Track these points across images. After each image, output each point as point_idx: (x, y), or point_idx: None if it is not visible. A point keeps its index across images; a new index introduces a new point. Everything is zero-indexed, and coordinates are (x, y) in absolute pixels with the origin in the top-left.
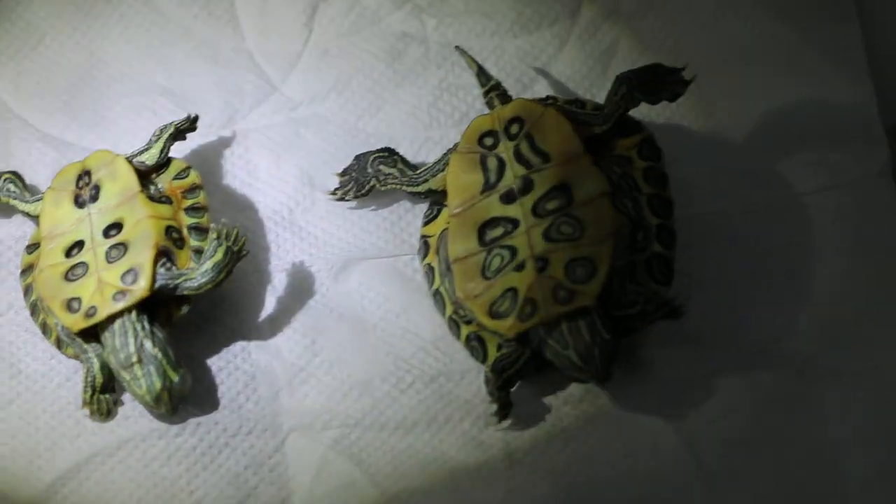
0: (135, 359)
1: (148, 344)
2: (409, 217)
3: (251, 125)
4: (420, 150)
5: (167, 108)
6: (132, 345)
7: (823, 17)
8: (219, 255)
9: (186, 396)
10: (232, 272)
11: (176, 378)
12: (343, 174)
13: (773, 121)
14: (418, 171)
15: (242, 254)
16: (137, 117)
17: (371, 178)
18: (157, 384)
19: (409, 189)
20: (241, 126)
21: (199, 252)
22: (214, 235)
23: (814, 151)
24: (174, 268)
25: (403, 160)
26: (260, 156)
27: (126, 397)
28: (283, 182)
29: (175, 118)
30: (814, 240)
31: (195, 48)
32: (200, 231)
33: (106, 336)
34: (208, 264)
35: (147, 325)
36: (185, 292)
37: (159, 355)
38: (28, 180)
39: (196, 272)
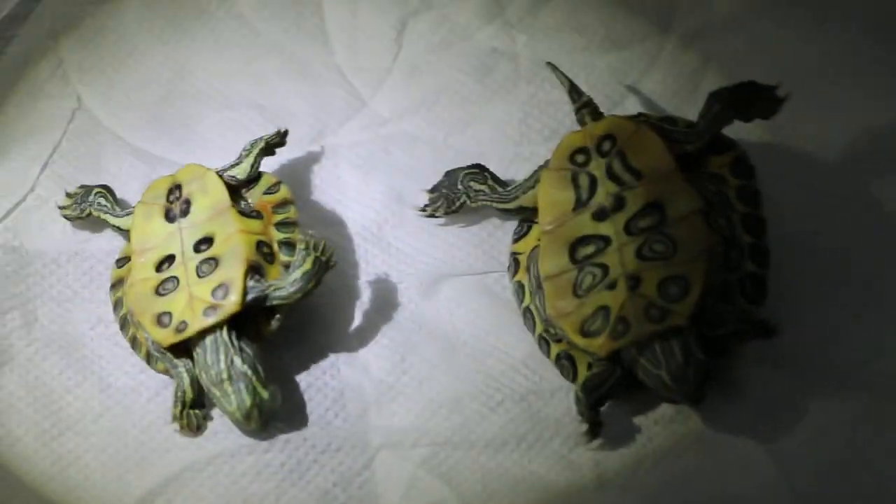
0: (225, 375)
1: (238, 361)
2: (498, 234)
3: (340, 141)
4: (509, 166)
5: (257, 122)
6: (223, 361)
7: None
8: (307, 265)
9: (276, 413)
10: (321, 282)
11: (266, 395)
12: (433, 191)
13: (866, 141)
14: (509, 188)
15: (330, 264)
16: (227, 131)
17: (461, 194)
18: (248, 401)
19: (500, 206)
20: (330, 141)
21: (289, 267)
22: (303, 246)
23: None
24: (263, 280)
25: (494, 177)
26: (348, 172)
27: (215, 413)
28: (372, 198)
29: (265, 133)
30: None
31: (285, 63)
32: (291, 246)
33: (198, 352)
34: (297, 273)
35: (237, 342)
36: (275, 302)
37: (249, 372)
38: (118, 194)
39: (285, 282)
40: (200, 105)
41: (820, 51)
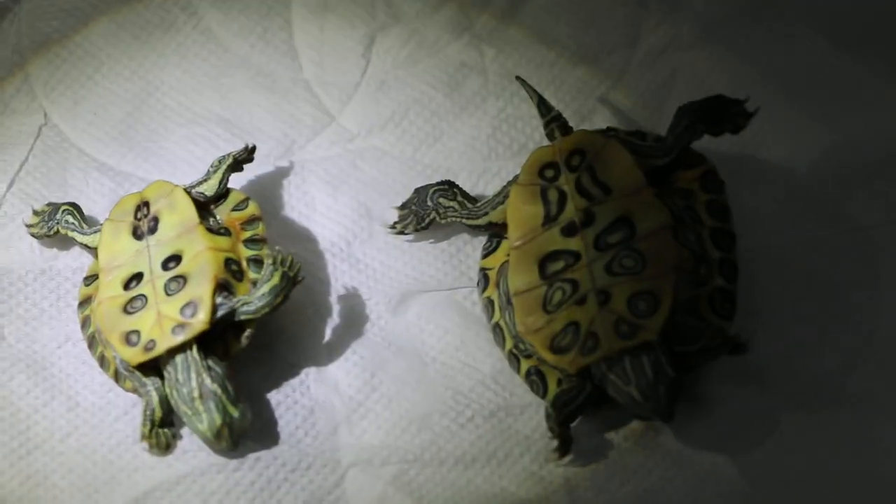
0: (196, 394)
1: (207, 379)
2: (467, 249)
3: (308, 156)
4: (478, 181)
5: (224, 138)
6: (193, 380)
7: (887, 49)
8: (275, 280)
9: (246, 432)
10: (288, 297)
11: (236, 413)
12: (402, 208)
13: (836, 153)
14: (478, 204)
15: (298, 279)
16: (195, 147)
17: (431, 211)
18: (218, 420)
19: (470, 222)
20: (299, 157)
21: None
22: (270, 261)
23: (878, 185)
24: (231, 297)
25: (463, 193)
26: (317, 187)
27: (185, 431)
28: (341, 214)
29: (232, 148)
30: (877, 275)
31: (253, 78)
32: (260, 263)
33: (168, 370)
34: (265, 288)
35: (206, 360)
36: (243, 317)
37: (219, 391)
38: (86, 211)
39: (253, 297)
40: (168, 121)
41: (787, 65)
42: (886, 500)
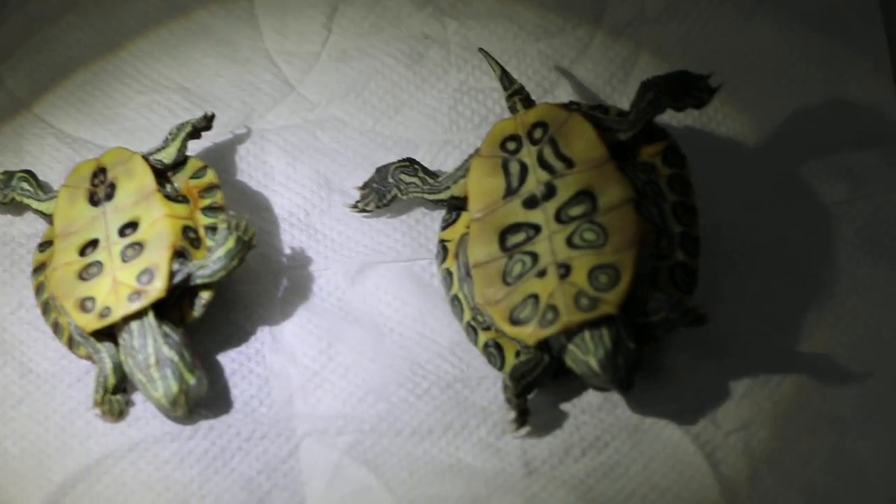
0: (152, 360)
1: (164, 346)
2: (426, 221)
3: (268, 125)
4: (439, 153)
5: (183, 106)
6: (150, 346)
7: (850, 26)
8: (230, 244)
9: (202, 400)
10: (244, 261)
11: (192, 381)
12: (364, 187)
13: (799, 129)
14: (439, 179)
15: (253, 244)
16: (153, 115)
17: (392, 187)
18: (174, 387)
19: (431, 197)
20: (258, 126)
21: None
22: (224, 225)
23: (840, 161)
24: (187, 262)
25: (424, 168)
26: (276, 157)
27: (138, 398)
28: (300, 184)
29: (191, 116)
30: (838, 250)
31: (213, 46)
32: (217, 231)
33: (124, 337)
34: (220, 252)
35: (162, 327)
36: (199, 281)
37: (175, 357)
38: (41, 178)
39: (209, 260)
40: (126, 88)
41: (752, 41)
42: (851, 474)
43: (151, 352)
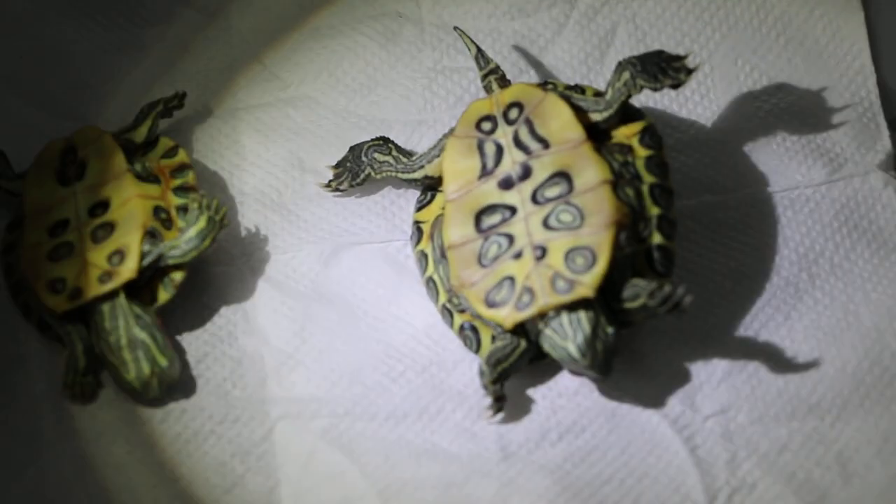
0: (124, 342)
1: (135, 328)
2: (401, 202)
3: (239, 104)
4: (413, 133)
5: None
6: (121, 328)
7: (828, 8)
8: (201, 223)
9: (175, 382)
10: (215, 241)
11: (164, 363)
12: (337, 166)
13: (775, 112)
14: (413, 158)
15: (224, 223)
16: (123, 93)
17: (366, 166)
18: (146, 369)
19: (405, 176)
20: (230, 105)
21: None
22: (195, 205)
23: (816, 143)
24: (158, 243)
25: (398, 147)
26: (248, 136)
27: (108, 380)
28: (272, 164)
29: (161, 94)
30: (814, 233)
31: (185, 23)
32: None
33: (95, 319)
34: (191, 232)
35: (133, 309)
36: (170, 262)
37: (147, 339)
38: (9, 156)
39: (180, 241)
40: (97, 65)
41: (728, 21)
42: (835, 461)
43: (122, 333)
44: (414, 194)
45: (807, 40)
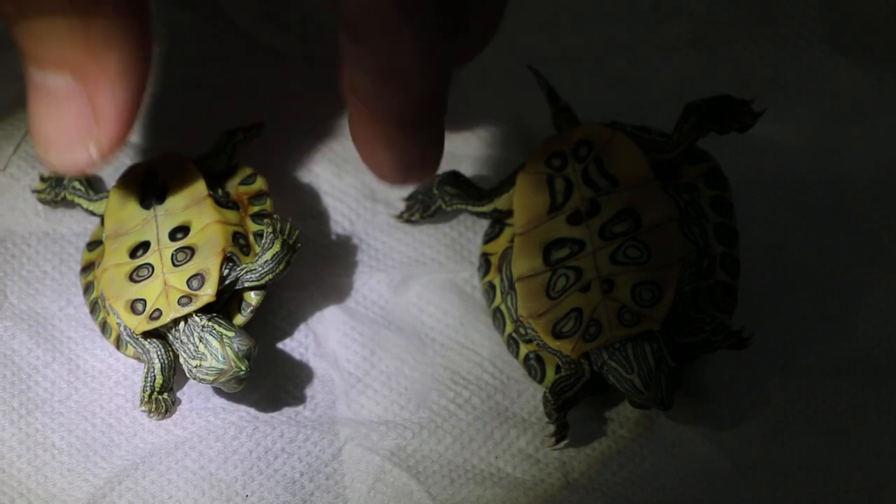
0: (196, 339)
1: (208, 328)
2: (469, 234)
3: (315, 135)
4: (482, 168)
5: (232, 111)
6: (196, 336)
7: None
8: (276, 247)
9: (253, 353)
10: (290, 264)
11: (231, 333)
12: (409, 198)
13: (839, 156)
14: (484, 192)
15: (297, 246)
16: (203, 121)
17: (437, 199)
18: (216, 343)
19: (475, 209)
20: (306, 135)
21: None
22: (269, 230)
23: (880, 189)
24: (236, 268)
25: (468, 181)
26: (321, 166)
27: (183, 397)
28: (345, 193)
29: (240, 123)
30: (877, 277)
31: (257, 54)
32: None
33: (173, 332)
34: (267, 255)
35: (208, 322)
36: (246, 285)
37: (211, 323)
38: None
39: (256, 264)
40: (177, 93)
41: (792, 69)
42: (880, 493)
43: (197, 340)
44: (482, 227)
45: (862, 87)
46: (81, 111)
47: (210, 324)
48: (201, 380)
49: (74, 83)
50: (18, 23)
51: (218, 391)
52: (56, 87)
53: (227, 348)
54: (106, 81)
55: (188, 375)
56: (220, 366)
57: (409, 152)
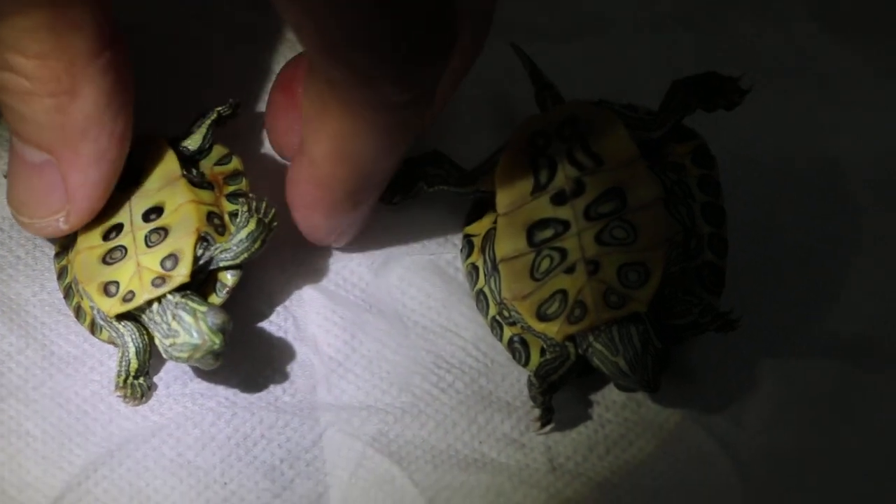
0: (170, 317)
1: (181, 304)
2: (451, 216)
3: None
4: (465, 148)
5: (209, 92)
6: (169, 315)
7: (882, 38)
8: (251, 226)
9: (227, 328)
10: (266, 243)
11: (204, 308)
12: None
13: (829, 136)
14: (466, 172)
15: (274, 224)
16: (179, 102)
17: (418, 180)
18: (189, 319)
19: (458, 190)
20: None
21: None
22: (244, 208)
23: (871, 171)
24: (210, 247)
25: (451, 161)
26: None
27: (160, 382)
28: None
29: (214, 103)
30: (867, 259)
31: (234, 33)
32: None
33: (147, 314)
34: (242, 234)
35: (181, 300)
36: (221, 264)
37: (182, 300)
38: None
39: (230, 243)
40: (151, 73)
41: (782, 48)
42: (881, 479)
43: (171, 318)
44: (464, 208)
45: (853, 68)
46: (54, 186)
47: (183, 300)
48: (177, 358)
49: (50, 160)
50: (2, 99)
51: (197, 373)
52: (33, 160)
53: (201, 322)
54: (79, 165)
55: (164, 356)
56: (195, 341)
57: (350, 220)
